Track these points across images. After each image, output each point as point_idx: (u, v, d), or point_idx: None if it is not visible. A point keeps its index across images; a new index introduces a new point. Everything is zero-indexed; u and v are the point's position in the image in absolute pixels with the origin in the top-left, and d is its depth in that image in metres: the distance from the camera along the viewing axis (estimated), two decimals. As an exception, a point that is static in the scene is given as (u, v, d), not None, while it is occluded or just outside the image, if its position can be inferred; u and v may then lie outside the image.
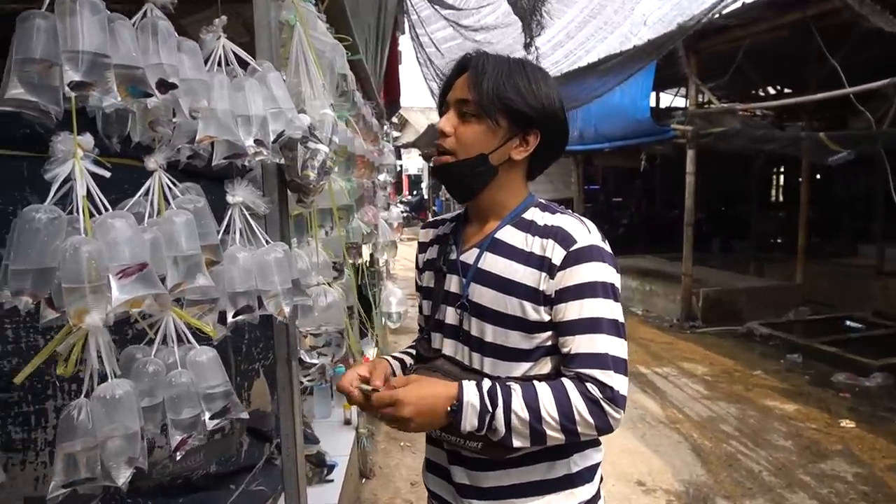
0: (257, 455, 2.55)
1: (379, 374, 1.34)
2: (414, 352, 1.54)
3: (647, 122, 8.93)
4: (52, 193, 1.06)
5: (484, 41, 7.32)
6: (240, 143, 1.33)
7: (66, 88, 1.01)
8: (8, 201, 1.66)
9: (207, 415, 1.31)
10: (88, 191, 1.09)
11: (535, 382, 1.28)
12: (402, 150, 24.17)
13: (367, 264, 4.63)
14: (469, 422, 1.24)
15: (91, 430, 1.11)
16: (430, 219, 1.64)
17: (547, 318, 1.31)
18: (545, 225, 1.35)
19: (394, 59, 6.84)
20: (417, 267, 1.60)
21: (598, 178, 15.99)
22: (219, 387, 1.32)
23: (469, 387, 1.26)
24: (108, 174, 1.11)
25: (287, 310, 1.42)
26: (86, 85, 1.02)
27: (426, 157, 21.66)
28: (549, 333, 1.33)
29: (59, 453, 1.11)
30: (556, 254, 1.30)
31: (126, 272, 1.06)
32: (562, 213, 1.38)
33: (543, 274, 1.30)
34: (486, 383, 1.27)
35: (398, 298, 4.93)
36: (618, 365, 1.27)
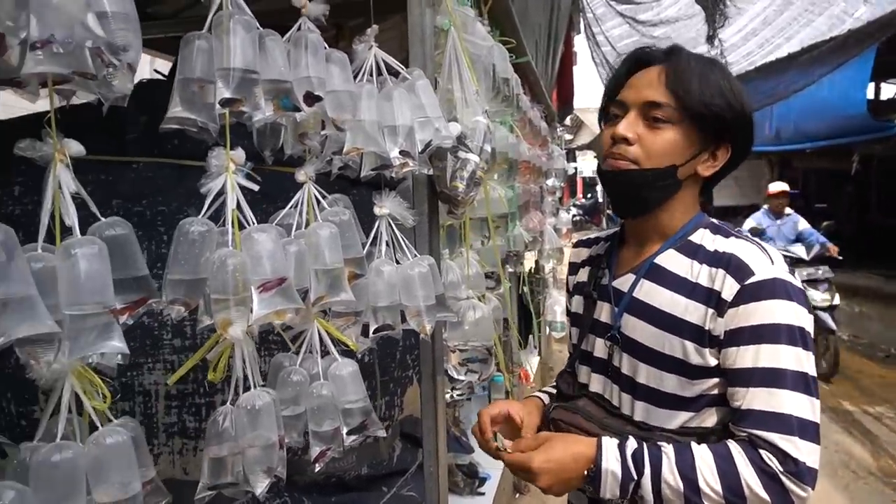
0: (409, 460, 2.56)
1: (518, 419, 1.21)
2: (555, 390, 1.39)
3: (863, 118, 7.71)
4: (205, 206, 1.10)
5: (662, 36, 6.84)
6: (386, 155, 1.30)
7: (219, 105, 1.04)
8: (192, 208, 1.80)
9: (345, 429, 1.30)
10: (238, 204, 1.11)
11: (693, 444, 1.07)
12: (578, 153, 23.65)
13: (531, 272, 4.53)
14: (609, 490, 1.06)
15: (234, 436, 1.14)
16: (587, 236, 1.48)
17: (713, 362, 1.09)
18: (716, 251, 1.13)
19: (568, 59, 6.65)
20: (567, 290, 1.44)
21: (797, 182, 14.31)
22: (357, 402, 1.31)
23: (609, 449, 1.08)
24: (256, 188, 1.13)
25: (429, 327, 1.37)
26: (235, 101, 1.05)
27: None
28: (716, 381, 1.11)
29: (206, 456, 1.15)
30: (728, 287, 1.08)
31: (266, 286, 1.06)
32: (738, 237, 1.15)
33: (710, 310, 1.09)
34: (631, 445, 1.08)
35: (563, 307, 4.76)
36: (805, 430, 1.01)
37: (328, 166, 1.33)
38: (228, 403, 1.15)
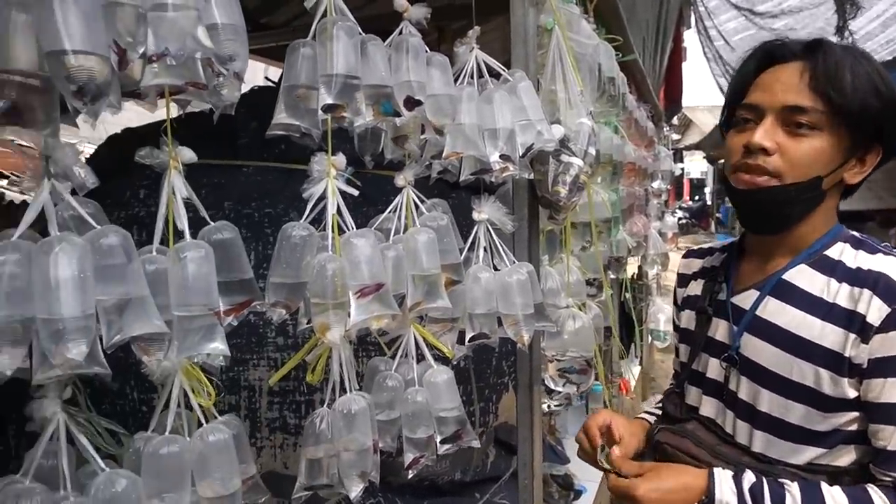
0: (503, 468, 2.52)
1: (617, 436, 1.13)
2: (661, 411, 1.28)
3: None
4: (307, 211, 1.11)
5: (784, 28, 6.34)
6: (485, 159, 1.27)
7: (321, 111, 1.05)
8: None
9: (439, 438, 1.28)
10: (338, 208, 1.12)
11: (824, 485, 0.95)
12: (685, 153, 22.57)
13: (634, 278, 4.34)
14: None
15: (330, 439, 1.15)
16: (699, 246, 1.36)
17: (852, 394, 0.97)
18: (858, 268, 1.00)
19: (677, 56, 6.33)
20: (675, 303, 1.34)
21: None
22: (452, 411, 1.28)
23: (724, 480, 0.99)
24: (356, 192, 1.14)
25: (527, 336, 1.32)
26: (337, 107, 1.05)
27: (712, 160, 19.89)
28: (855, 415, 0.98)
29: (303, 457, 1.17)
30: (874, 310, 0.95)
31: (364, 291, 1.06)
32: (886, 252, 1.02)
33: (852, 335, 0.96)
34: (748, 478, 0.98)
35: (667, 315, 4.52)
36: None
37: (427, 171, 1.32)
38: (325, 406, 1.17)
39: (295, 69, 1.08)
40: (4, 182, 3.64)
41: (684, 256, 1.34)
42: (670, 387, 1.28)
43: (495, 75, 1.38)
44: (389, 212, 1.30)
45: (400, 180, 1.28)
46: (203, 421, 0.98)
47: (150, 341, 0.90)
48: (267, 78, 2.98)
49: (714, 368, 1.14)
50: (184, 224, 0.95)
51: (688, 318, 1.24)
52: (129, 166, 1.99)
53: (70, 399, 0.90)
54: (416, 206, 1.30)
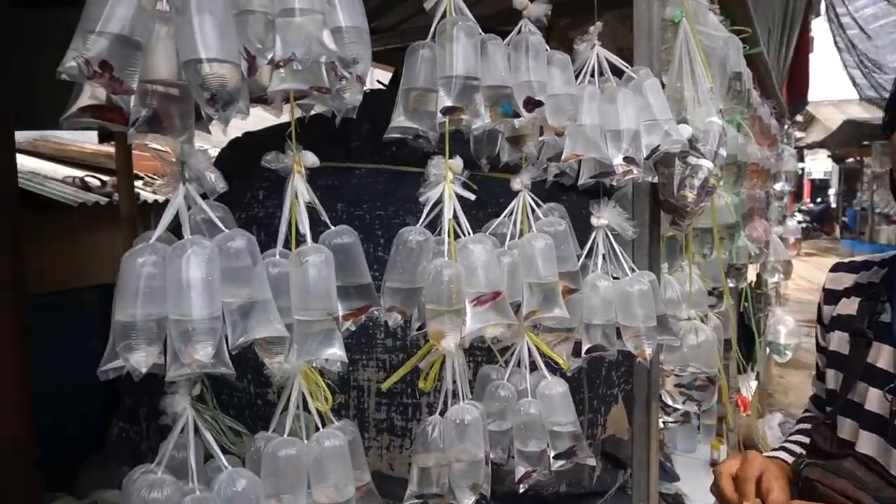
0: (609, 482, 2.41)
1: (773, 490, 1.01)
2: (806, 440, 1.13)
3: None
4: (423, 215, 1.09)
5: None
6: (607, 161, 1.20)
7: (440, 113, 1.02)
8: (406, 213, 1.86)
9: (552, 453, 1.23)
10: (454, 213, 1.10)
11: None
12: (806, 151, 20.92)
13: (752, 287, 4.05)
14: None
15: (441, 448, 1.12)
16: (852, 259, 1.21)
17: None
18: None
19: (804, 46, 5.86)
20: (821, 321, 1.19)
21: None
22: (567, 425, 1.23)
23: None
24: (473, 197, 1.10)
25: (649, 351, 1.24)
26: (456, 109, 1.02)
27: (838, 160, 18.33)
28: None
29: (415, 464, 1.15)
30: None
31: (481, 299, 1.03)
32: None
33: None
34: None
35: (789, 328, 4.19)
36: None
37: (544, 174, 1.27)
38: (437, 414, 1.15)
39: (414, 71, 1.07)
40: (140, 183, 3.94)
41: (832, 270, 1.19)
42: (811, 414, 1.15)
43: (617, 73, 1.30)
44: (504, 216, 1.26)
45: (516, 184, 1.24)
46: (320, 424, 0.98)
47: (271, 343, 0.91)
48: (378, 81, 3.04)
49: (876, 400, 1.00)
50: (306, 228, 0.96)
51: (839, 341, 1.10)
52: (249, 169, 2.09)
53: (198, 396, 0.93)
54: (532, 211, 1.25)
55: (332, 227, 1.01)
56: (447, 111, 1.02)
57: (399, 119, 1.08)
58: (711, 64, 1.41)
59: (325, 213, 1.86)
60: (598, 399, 2.09)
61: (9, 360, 1.33)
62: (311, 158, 0.98)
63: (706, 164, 1.28)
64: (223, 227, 0.89)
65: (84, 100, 0.82)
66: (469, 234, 1.09)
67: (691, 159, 1.28)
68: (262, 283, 0.88)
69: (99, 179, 3.83)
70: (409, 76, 1.07)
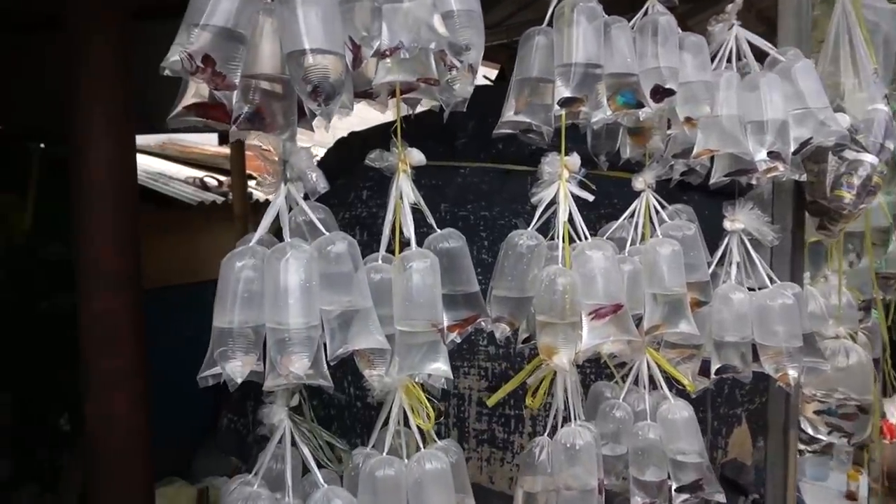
0: (729, 509, 2.20)
1: None
2: None
3: None
4: (535, 217, 1.00)
5: None
6: (748, 157, 1.05)
7: (557, 106, 0.93)
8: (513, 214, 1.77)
9: (674, 485, 1.09)
10: (570, 215, 0.99)
11: None
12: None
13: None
14: None
15: (550, 472, 1.03)
16: None
17: None
18: None
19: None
20: None
21: None
22: (691, 455, 1.09)
23: None
24: (591, 198, 1.00)
25: (793, 374, 1.07)
26: (575, 100, 0.92)
27: None
28: None
29: (519, 488, 1.06)
30: None
31: (599, 313, 0.92)
32: None
33: None
34: None
35: (940, 345, 3.69)
36: None
37: (670, 172, 1.13)
38: (546, 435, 1.05)
39: (528, 61, 0.97)
40: (253, 183, 4.10)
41: None
42: None
43: (759, 57, 1.14)
44: (625, 219, 1.14)
45: (639, 183, 1.11)
46: (421, 444, 0.92)
47: (372, 354, 0.85)
48: (485, 76, 2.96)
49: None
50: (410, 231, 0.89)
51: None
52: (353, 168, 2.08)
53: (296, 407, 0.89)
54: (656, 212, 1.12)
55: (438, 230, 0.94)
56: (565, 103, 0.92)
57: (510, 114, 0.99)
58: (875, 42, 1.20)
59: (430, 213, 1.78)
60: (719, 419, 1.90)
61: (128, 351, 1.37)
62: (417, 156, 0.91)
63: (869, 158, 1.09)
64: (324, 230, 0.84)
65: (189, 98, 0.80)
66: (586, 238, 0.98)
67: (849, 154, 1.10)
68: (362, 289, 0.82)
69: (217, 179, 4.02)
70: (523, 66, 0.98)
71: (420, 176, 1.87)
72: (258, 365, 0.80)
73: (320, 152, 2.60)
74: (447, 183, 1.82)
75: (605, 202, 1.73)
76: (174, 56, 0.70)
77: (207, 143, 4.97)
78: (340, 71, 0.75)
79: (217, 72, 0.73)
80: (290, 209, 0.87)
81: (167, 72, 0.71)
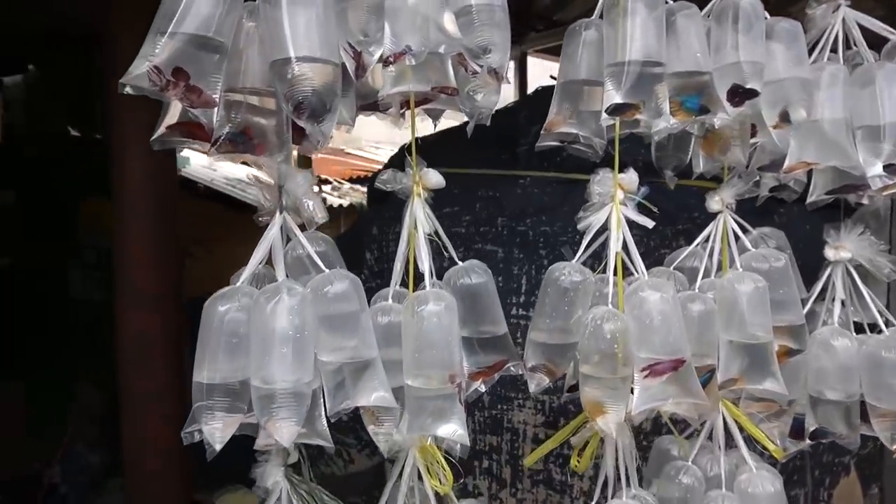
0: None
1: None
2: None
3: None
4: (582, 247, 0.84)
5: None
6: (857, 172, 0.84)
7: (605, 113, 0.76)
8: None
9: (758, 573, 0.90)
10: (625, 245, 0.83)
11: None
12: None
13: None
14: None
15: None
16: None
17: None
18: None
19: None
20: None
21: None
22: (779, 538, 0.89)
23: None
24: (651, 224, 0.82)
25: (914, 445, 0.85)
26: (629, 107, 0.75)
27: None
28: None
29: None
30: None
31: (656, 368, 0.75)
32: None
33: None
34: None
35: None
36: None
37: (755, 188, 0.94)
38: (594, 503, 0.89)
39: (574, 61, 0.82)
40: (328, 188, 4.11)
41: None
42: None
43: (875, 45, 0.92)
44: (698, 245, 0.95)
45: (715, 202, 0.92)
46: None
47: (379, 410, 0.73)
48: (552, 76, 2.78)
49: None
50: (424, 265, 0.76)
51: None
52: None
53: (294, 464, 0.78)
54: (737, 238, 0.93)
55: (460, 263, 0.80)
56: (616, 109, 0.76)
57: (555, 120, 0.84)
58: None
59: (485, 227, 1.63)
60: (821, 469, 1.64)
61: (162, 372, 1.33)
62: (434, 179, 0.78)
63: None
64: (322, 266, 0.72)
65: (173, 116, 0.71)
66: (643, 274, 0.81)
67: None
68: (367, 337, 0.70)
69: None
70: (568, 66, 0.83)
71: (478, 186, 1.74)
72: (250, 418, 0.70)
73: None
74: (506, 194, 1.67)
75: (684, 216, 1.53)
76: (138, 69, 0.61)
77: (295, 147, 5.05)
78: (332, 82, 0.63)
79: (192, 86, 0.63)
80: (289, 240, 0.76)
81: (128, 90, 0.61)
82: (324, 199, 4.09)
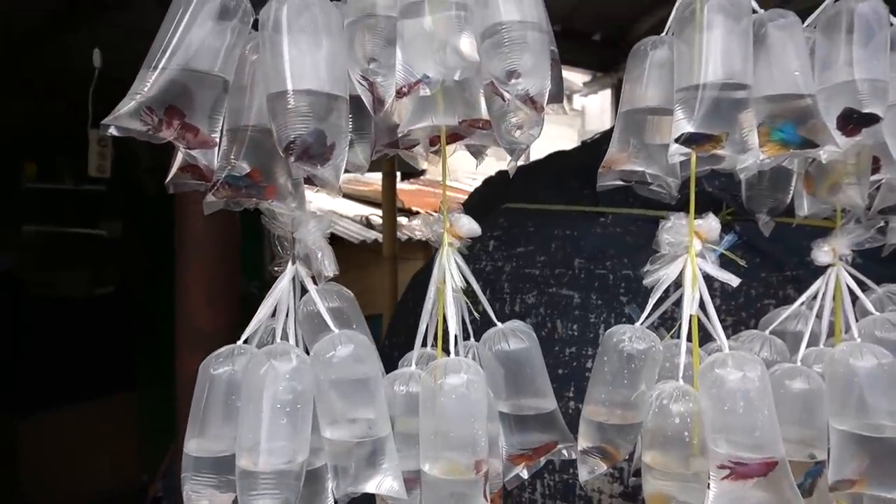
0: None
1: None
2: None
3: None
4: (648, 308, 0.70)
5: None
6: None
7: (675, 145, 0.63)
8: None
9: None
10: (702, 303, 0.67)
11: None
12: None
13: None
14: None
15: None
16: None
17: None
18: None
19: None
20: None
21: None
22: None
23: None
24: (736, 282, 0.67)
25: None
26: (706, 139, 0.61)
27: None
28: None
29: None
30: None
31: (739, 470, 0.59)
32: None
33: None
34: None
35: None
36: None
37: (878, 237, 0.75)
38: None
39: (639, 85, 0.69)
40: (417, 221, 4.09)
41: None
42: None
43: None
44: (802, 304, 0.78)
45: (824, 253, 0.75)
46: None
47: (392, 499, 0.62)
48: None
49: None
50: (453, 325, 0.65)
51: None
52: (492, 212, 1.87)
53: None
54: (854, 298, 0.74)
55: (500, 324, 0.68)
56: (689, 141, 0.62)
57: (617, 157, 0.71)
58: None
59: (560, 269, 1.50)
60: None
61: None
62: (468, 226, 0.67)
63: None
64: (332, 325, 0.63)
65: (183, 158, 0.65)
66: (723, 341, 0.66)
67: None
68: (379, 410, 0.60)
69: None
70: (633, 92, 0.70)
71: (555, 224, 1.60)
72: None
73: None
74: (584, 233, 1.53)
75: (794, 260, 1.32)
76: (125, 108, 0.55)
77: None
78: (335, 118, 0.55)
79: (187, 125, 0.57)
80: (304, 292, 0.68)
81: (112, 131, 0.55)
82: (411, 234, 4.08)
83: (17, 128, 2.91)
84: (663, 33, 0.69)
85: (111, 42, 2.31)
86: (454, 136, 0.66)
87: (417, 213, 4.59)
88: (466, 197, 2.49)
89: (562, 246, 1.54)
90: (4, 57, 2.70)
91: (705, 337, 0.70)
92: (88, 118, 2.55)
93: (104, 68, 2.39)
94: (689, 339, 0.67)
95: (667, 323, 0.73)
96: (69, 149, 2.86)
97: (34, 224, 3.01)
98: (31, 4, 2.21)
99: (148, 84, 0.55)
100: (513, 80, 0.54)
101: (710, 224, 0.67)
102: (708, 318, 0.67)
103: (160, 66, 0.56)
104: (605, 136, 2.05)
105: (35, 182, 2.98)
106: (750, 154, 0.63)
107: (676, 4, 0.67)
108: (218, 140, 0.59)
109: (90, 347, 3.51)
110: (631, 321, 0.71)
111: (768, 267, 1.35)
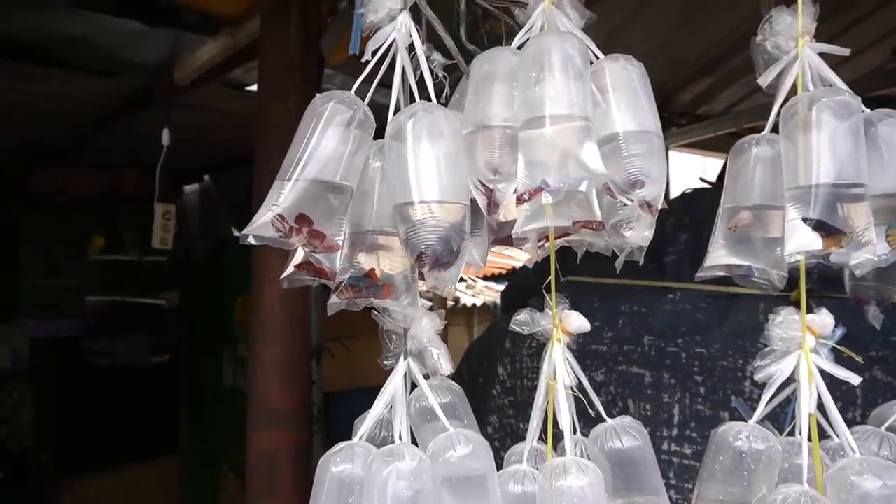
0: None
1: None
2: None
3: None
4: (762, 406, 0.68)
5: None
6: None
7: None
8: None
9: None
10: (819, 401, 0.66)
11: None
12: None
13: None
14: None
15: None
16: None
17: None
18: None
19: None
20: None
21: None
22: None
23: None
24: (857, 380, 0.65)
25: None
26: (830, 229, 0.62)
27: None
28: None
29: None
30: None
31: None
32: None
33: None
34: None
35: None
36: None
37: None
38: None
39: (742, 182, 0.70)
40: (462, 286, 4.10)
41: None
42: None
43: None
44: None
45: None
46: None
47: None
48: (701, 178, 2.60)
49: None
50: (566, 424, 0.65)
51: None
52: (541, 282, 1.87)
53: None
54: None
55: (608, 420, 0.68)
56: (817, 227, 0.62)
57: (719, 254, 0.72)
58: None
59: (629, 346, 1.48)
60: None
61: (288, 492, 1.28)
62: (577, 322, 0.67)
63: None
64: (445, 422, 0.63)
65: (299, 257, 0.68)
66: (849, 442, 0.63)
67: None
68: (494, 509, 0.60)
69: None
70: (736, 188, 0.71)
71: (621, 300, 1.59)
72: None
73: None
74: (653, 309, 1.51)
75: (879, 340, 1.28)
76: (262, 219, 0.58)
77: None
78: (459, 224, 0.57)
79: (315, 231, 0.60)
80: (413, 387, 0.68)
81: (250, 240, 0.58)
82: (457, 298, 4.08)
83: (88, 203, 3.07)
84: (765, 131, 0.70)
85: (176, 120, 2.45)
86: (564, 233, 0.67)
87: (461, 279, 4.61)
88: (521, 265, 2.49)
89: (630, 322, 1.52)
90: (81, 136, 2.88)
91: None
92: (155, 192, 2.67)
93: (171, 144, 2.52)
94: (809, 438, 0.65)
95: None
96: (135, 222, 3.00)
97: (98, 294, 3.12)
98: (108, 88, 2.36)
99: (282, 195, 0.58)
100: (637, 191, 0.56)
101: (824, 319, 0.67)
102: (827, 418, 0.65)
103: (293, 177, 0.59)
104: (664, 211, 2.05)
105: (101, 254, 3.11)
106: (866, 250, 0.62)
107: (776, 103, 0.69)
108: (341, 244, 0.62)
109: (141, 413, 3.56)
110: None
111: (851, 348, 1.31)
